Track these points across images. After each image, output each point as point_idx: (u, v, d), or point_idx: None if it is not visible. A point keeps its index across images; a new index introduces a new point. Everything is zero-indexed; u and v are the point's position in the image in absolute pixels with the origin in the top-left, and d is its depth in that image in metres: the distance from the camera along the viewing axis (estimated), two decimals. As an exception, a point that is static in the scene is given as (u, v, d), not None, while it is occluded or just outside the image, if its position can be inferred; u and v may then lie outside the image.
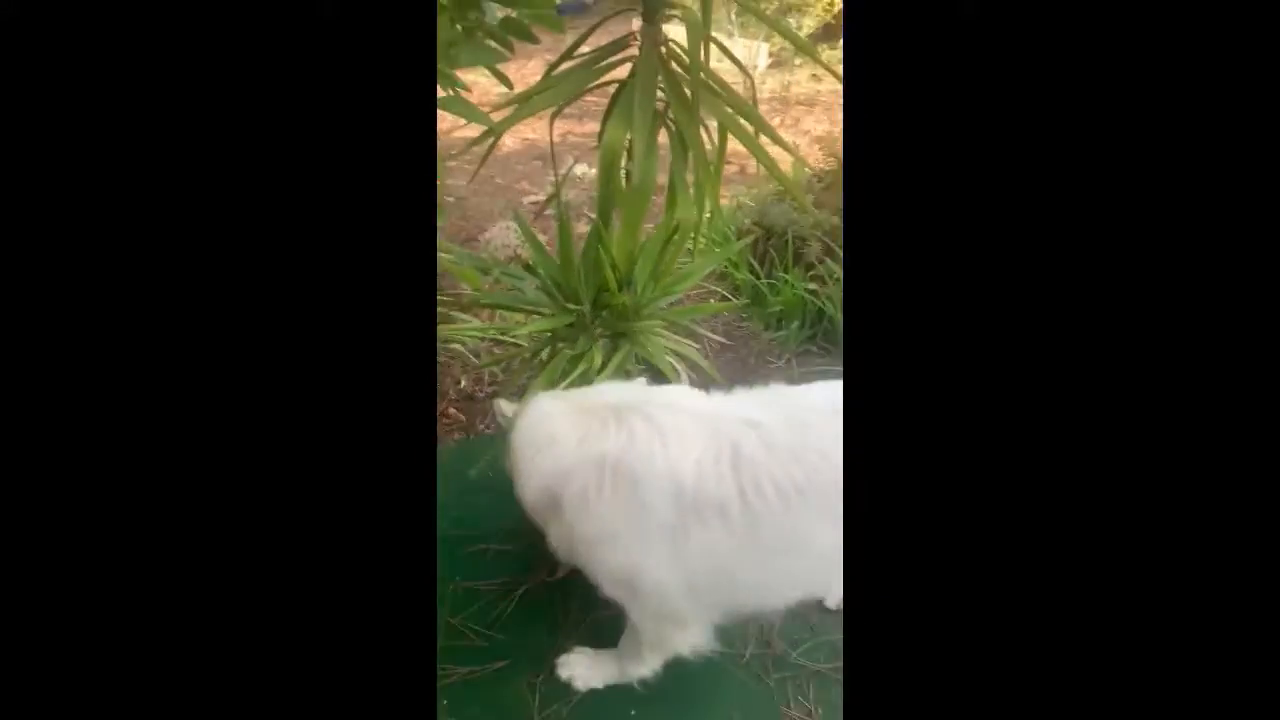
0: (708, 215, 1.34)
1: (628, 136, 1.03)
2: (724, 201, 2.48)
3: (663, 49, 1.11)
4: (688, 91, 1.09)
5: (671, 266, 1.25)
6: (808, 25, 4.36)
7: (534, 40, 1.32)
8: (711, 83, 1.09)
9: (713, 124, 1.21)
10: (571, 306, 1.18)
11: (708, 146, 1.17)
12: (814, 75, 4.32)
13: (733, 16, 4.13)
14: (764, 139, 1.16)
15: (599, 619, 1.19)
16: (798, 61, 4.38)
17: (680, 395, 0.78)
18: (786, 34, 1.12)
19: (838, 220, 1.98)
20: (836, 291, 1.88)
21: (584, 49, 1.21)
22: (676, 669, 1.10)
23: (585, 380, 1.19)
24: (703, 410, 0.73)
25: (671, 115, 1.10)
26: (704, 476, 0.66)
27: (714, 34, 1.00)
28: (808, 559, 0.70)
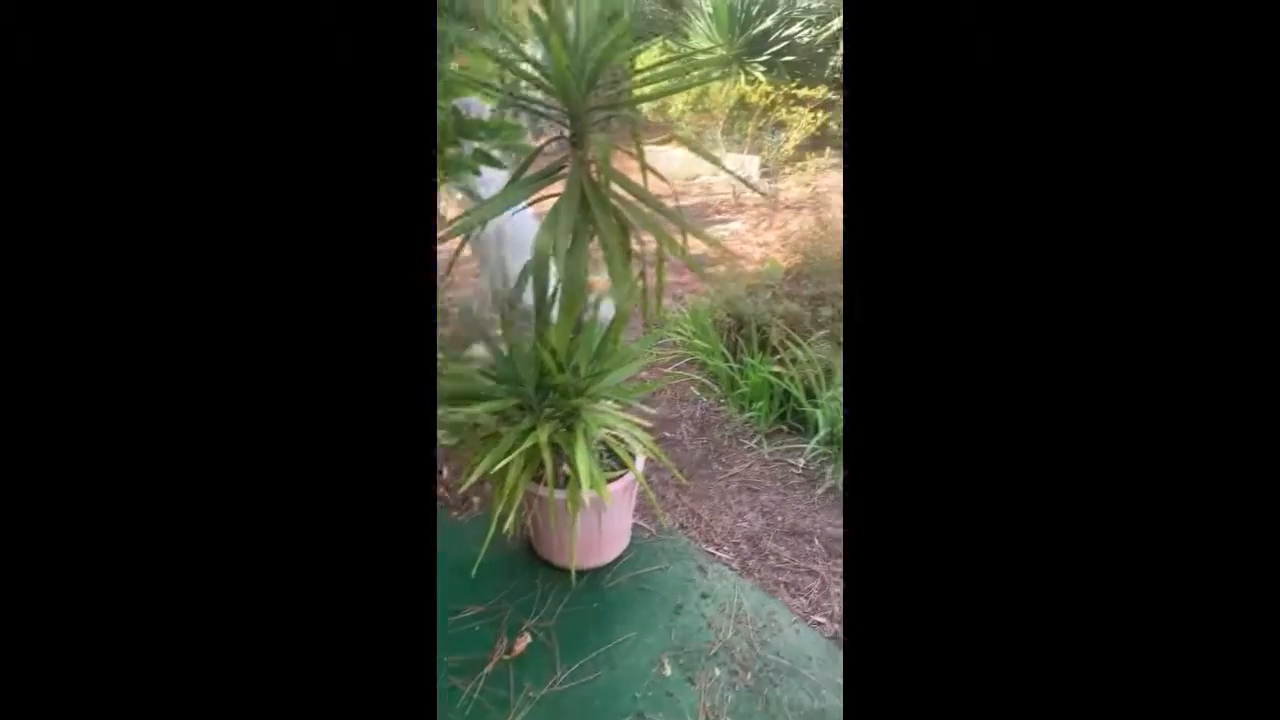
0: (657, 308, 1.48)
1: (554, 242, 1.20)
2: (702, 296, 2.66)
3: (593, 167, 1.31)
4: (614, 201, 1.26)
5: (613, 349, 1.38)
6: (794, 139, 4.72)
7: (502, 166, 1.55)
8: (624, 192, 1.26)
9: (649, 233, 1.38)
10: (518, 389, 1.31)
11: (636, 247, 1.33)
12: (804, 182, 4.63)
13: (719, 136, 4.53)
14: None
15: (547, 695, 1.22)
16: (786, 170, 4.72)
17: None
18: (704, 154, 1.31)
19: (797, 309, 2.12)
20: (799, 372, 1.98)
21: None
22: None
23: (533, 455, 1.29)
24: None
25: (595, 222, 1.27)
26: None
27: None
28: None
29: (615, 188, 1.33)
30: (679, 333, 2.57)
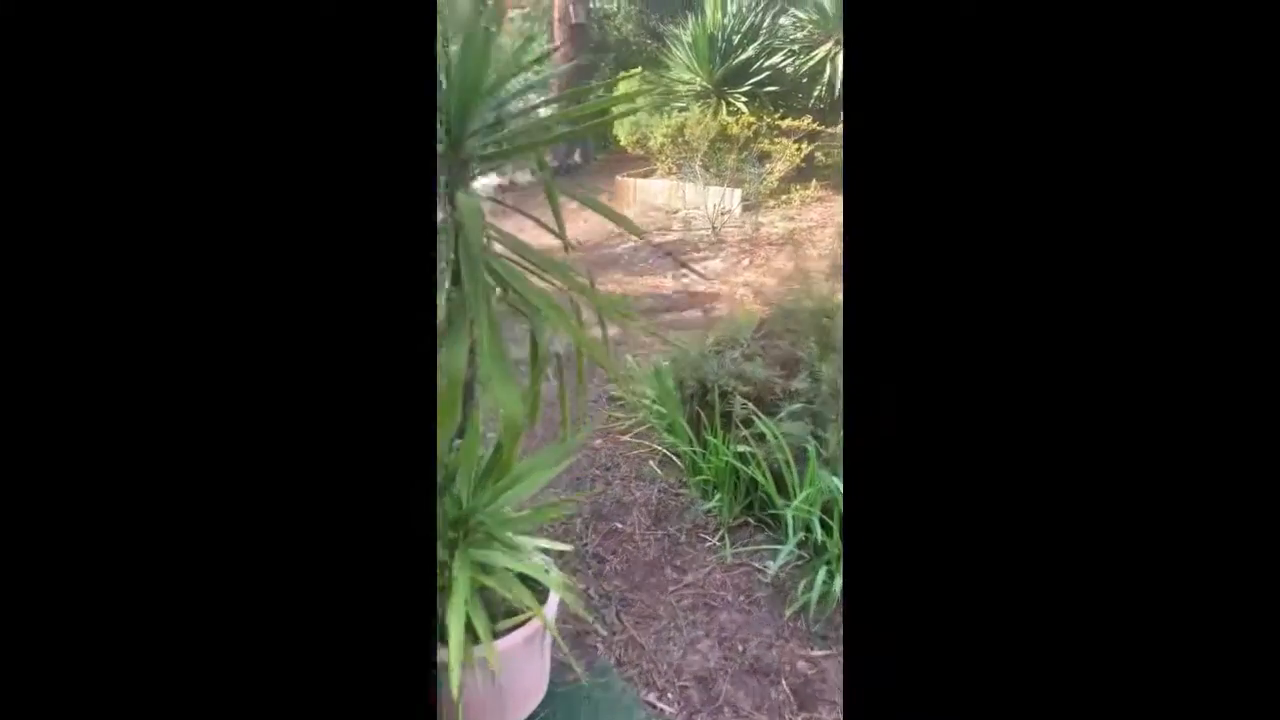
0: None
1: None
2: (663, 353, 2.36)
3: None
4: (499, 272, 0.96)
5: (508, 467, 1.07)
6: (779, 170, 4.48)
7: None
8: (505, 255, 0.97)
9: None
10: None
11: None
12: (787, 216, 4.38)
13: (697, 168, 4.28)
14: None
15: None
16: (769, 203, 4.46)
17: None
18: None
19: (764, 375, 1.81)
20: (766, 455, 1.65)
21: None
22: None
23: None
24: None
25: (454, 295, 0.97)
26: None
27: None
28: None
29: (502, 250, 1.03)
30: (634, 394, 2.27)
